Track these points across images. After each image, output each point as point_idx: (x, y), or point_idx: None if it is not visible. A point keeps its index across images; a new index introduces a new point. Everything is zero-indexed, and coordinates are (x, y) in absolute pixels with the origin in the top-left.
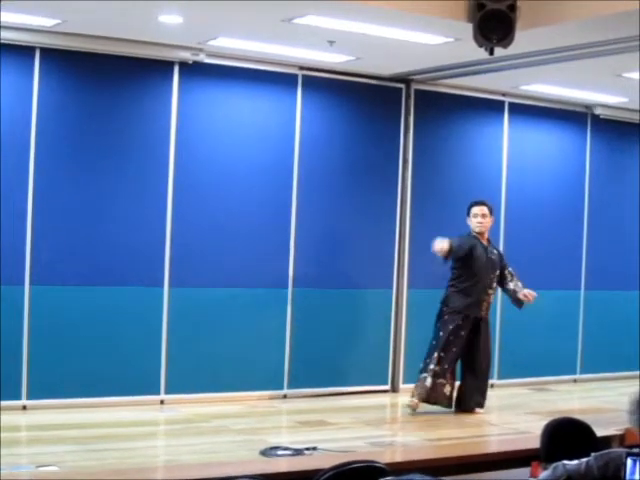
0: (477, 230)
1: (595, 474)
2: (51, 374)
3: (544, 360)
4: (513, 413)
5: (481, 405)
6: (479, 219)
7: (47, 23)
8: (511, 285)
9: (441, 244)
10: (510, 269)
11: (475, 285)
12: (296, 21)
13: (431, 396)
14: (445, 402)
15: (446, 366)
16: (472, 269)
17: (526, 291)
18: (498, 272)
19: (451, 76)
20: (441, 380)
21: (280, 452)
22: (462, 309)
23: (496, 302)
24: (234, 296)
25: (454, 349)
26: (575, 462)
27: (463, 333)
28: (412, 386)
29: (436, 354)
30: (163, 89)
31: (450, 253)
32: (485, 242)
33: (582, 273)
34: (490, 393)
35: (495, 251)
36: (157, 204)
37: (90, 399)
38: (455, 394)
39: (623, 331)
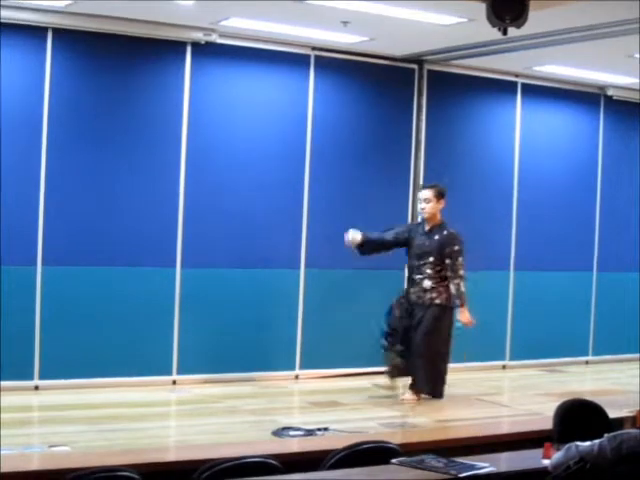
0: (421, 216)
1: (608, 455)
2: (63, 355)
3: (556, 342)
4: (525, 394)
5: (425, 392)
6: (422, 205)
7: (59, 3)
8: (451, 286)
9: (353, 235)
10: (449, 261)
11: (409, 271)
12: (309, 1)
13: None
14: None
15: (398, 344)
16: (408, 255)
17: (465, 318)
18: (432, 259)
19: (464, 57)
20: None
21: (292, 433)
22: (402, 292)
23: (507, 284)
24: (246, 277)
25: (398, 329)
26: (588, 443)
27: (399, 315)
28: None
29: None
30: (176, 70)
31: (363, 245)
32: (429, 227)
33: (594, 254)
34: (502, 374)
35: (436, 237)
36: (170, 184)
37: (102, 379)
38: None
39: (635, 313)
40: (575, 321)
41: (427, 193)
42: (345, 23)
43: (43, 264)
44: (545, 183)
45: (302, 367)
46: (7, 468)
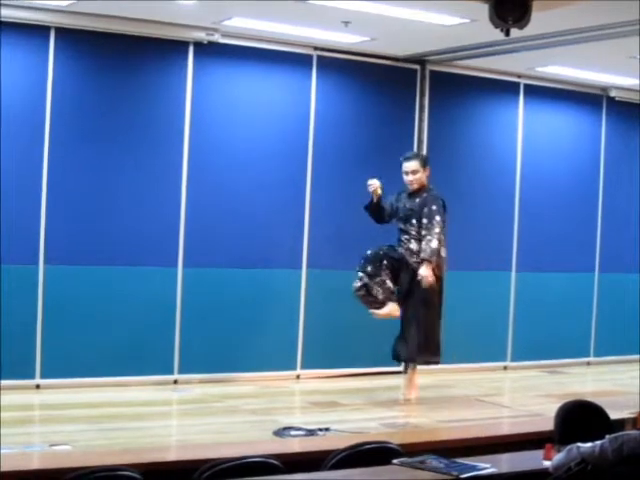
0: (410, 188)
1: (609, 457)
2: (65, 353)
3: (557, 343)
4: (526, 395)
5: (421, 362)
6: (409, 177)
7: (62, 3)
8: (423, 241)
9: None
10: (426, 221)
11: (398, 235)
12: (311, 1)
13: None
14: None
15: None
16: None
17: (425, 272)
18: (414, 220)
19: (466, 57)
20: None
21: (293, 432)
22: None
23: (509, 285)
24: (248, 277)
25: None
26: (589, 445)
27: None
28: (425, 368)
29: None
30: (178, 69)
31: (377, 201)
32: (413, 190)
33: (596, 255)
34: (503, 375)
35: (417, 199)
36: (172, 184)
37: (103, 379)
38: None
39: (637, 314)
40: (576, 322)
41: (414, 164)
42: (347, 23)
43: (45, 263)
44: (547, 184)
45: (303, 367)
46: (8, 467)
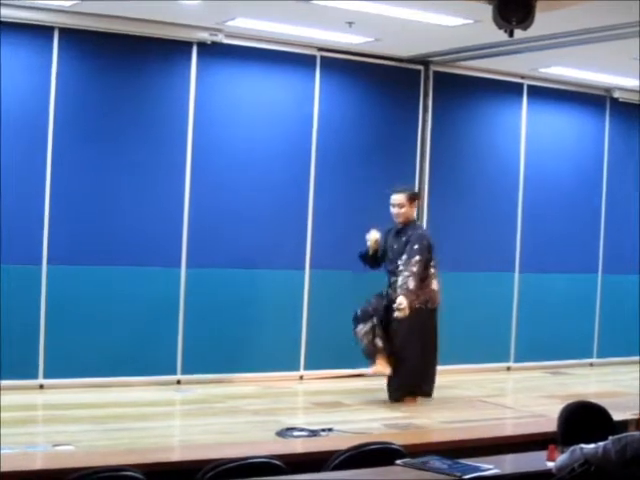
0: (395, 220)
1: (612, 458)
2: (68, 353)
3: (560, 344)
4: (529, 396)
5: (395, 399)
6: (395, 210)
7: (65, 3)
8: (400, 278)
9: (375, 235)
10: (405, 257)
11: (388, 276)
12: (315, 2)
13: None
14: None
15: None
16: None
17: (402, 304)
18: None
19: (470, 58)
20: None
21: (296, 433)
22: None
23: (512, 286)
24: (251, 277)
25: (370, 308)
26: (592, 446)
27: (375, 300)
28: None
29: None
30: (181, 70)
31: (374, 253)
32: (400, 227)
33: (599, 256)
34: (506, 376)
35: (403, 238)
36: (175, 184)
37: (107, 379)
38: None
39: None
40: (579, 323)
41: (400, 198)
42: (350, 24)
43: (48, 263)
44: (550, 185)
45: (306, 368)
46: (10, 467)
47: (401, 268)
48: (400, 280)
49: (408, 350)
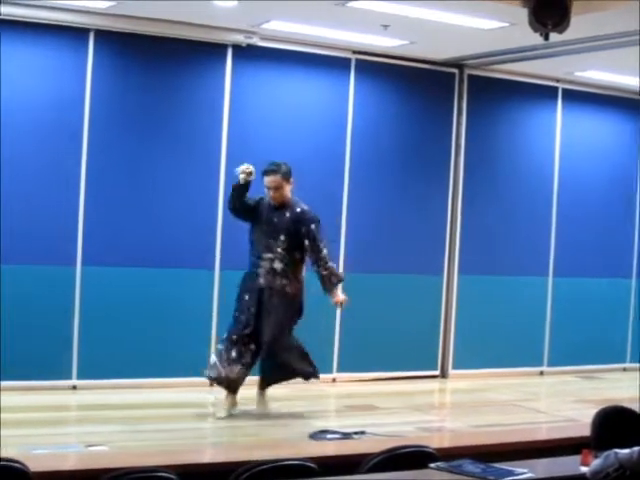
0: (274, 203)
1: None
2: (101, 355)
3: (593, 348)
4: (562, 401)
5: (266, 385)
6: (272, 193)
7: (101, 5)
8: (323, 271)
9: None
10: (308, 243)
11: (256, 247)
12: (350, 4)
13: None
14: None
15: (235, 349)
16: (252, 234)
17: (339, 298)
18: (283, 237)
19: (505, 61)
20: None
21: (329, 436)
22: (243, 280)
23: (545, 290)
24: None
25: (240, 327)
26: (627, 451)
27: (252, 309)
28: (462, 372)
29: (226, 335)
30: (216, 72)
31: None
32: (278, 203)
33: (634, 261)
34: (539, 380)
35: (287, 214)
36: (209, 186)
37: (139, 380)
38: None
39: None
40: (613, 328)
41: (275, 179)
42: (385, 27)
43: (83, 264)
44: (585, 188)
45: (339, 370)
46: (44, 467)
47: (312, 256)
48: (325, 273)
49: (282, 342)
